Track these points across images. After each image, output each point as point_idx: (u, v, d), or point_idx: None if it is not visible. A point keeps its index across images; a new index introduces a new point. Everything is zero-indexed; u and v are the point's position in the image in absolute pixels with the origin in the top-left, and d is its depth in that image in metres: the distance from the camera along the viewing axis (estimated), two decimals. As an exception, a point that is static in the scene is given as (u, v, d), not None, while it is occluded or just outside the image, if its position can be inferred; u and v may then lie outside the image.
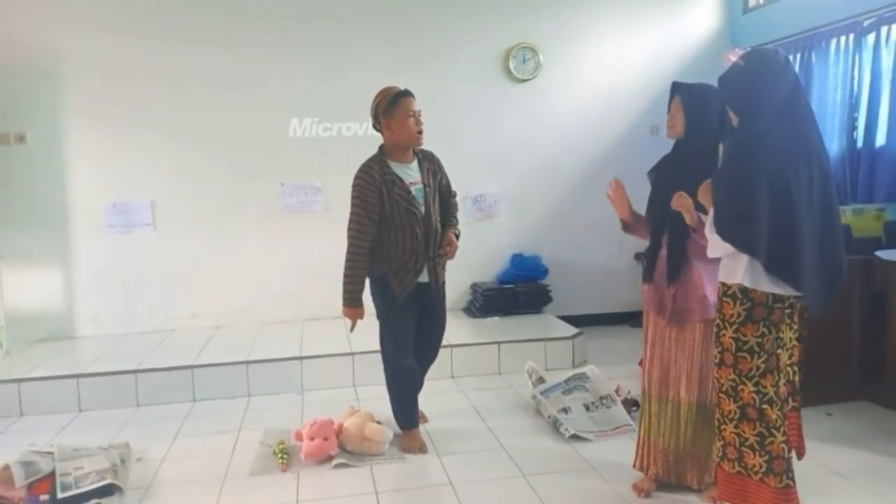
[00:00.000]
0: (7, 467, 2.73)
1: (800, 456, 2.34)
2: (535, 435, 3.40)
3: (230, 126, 5.01)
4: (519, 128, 5.40)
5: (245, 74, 4.99)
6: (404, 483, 2.95)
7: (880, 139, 4.27)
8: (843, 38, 4.50)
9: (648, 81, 5.42)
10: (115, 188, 4.94)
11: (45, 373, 4.03)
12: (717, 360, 2.27)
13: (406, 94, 2.99)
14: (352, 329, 3.16)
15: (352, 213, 3.00)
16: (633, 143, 5.38)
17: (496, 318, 5.06)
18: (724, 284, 2.23)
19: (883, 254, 3.56)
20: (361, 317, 3.12)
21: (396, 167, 2.99)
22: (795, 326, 2.23)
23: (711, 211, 2.20)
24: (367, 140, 5.11)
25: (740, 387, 2.20)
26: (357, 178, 2.99)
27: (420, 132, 2.99)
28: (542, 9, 5.37)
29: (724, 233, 2.15)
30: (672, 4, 5.58)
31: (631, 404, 3.56)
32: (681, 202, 2.40)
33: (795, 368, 2.27)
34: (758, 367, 2.18)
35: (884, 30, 4.19)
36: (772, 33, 5.08)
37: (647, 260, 2.68)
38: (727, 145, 2.34)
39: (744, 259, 2.15)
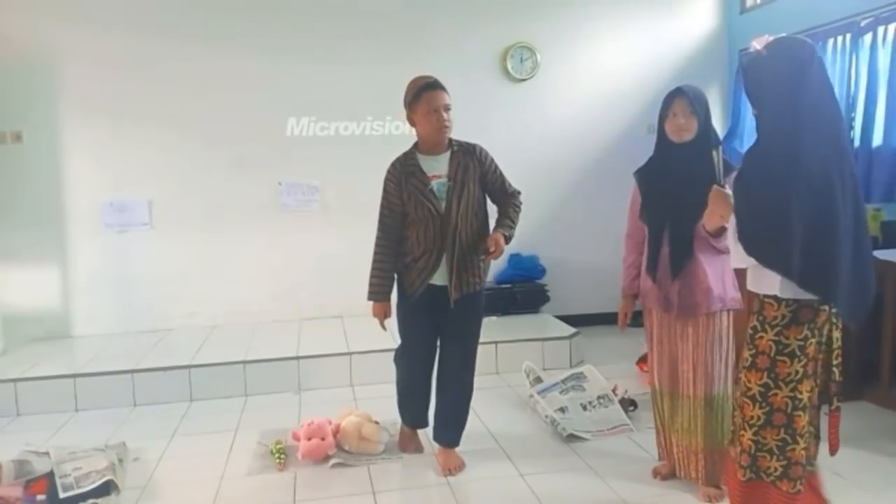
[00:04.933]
0: (-1, 466, 2.73)
1: (833, 452, 2.23)
2: (533, 434, 3.40)
3: (227, 125, 5.00)
4: (516, 127, 5.40)
5: (242, 73, 4.98)
6: (402, 483, 2.96)
7: (877, 139, 4.27)
8: (839, 38, 4.51)
9: (646, 81, 5.42)
10: (112, 187, 4.93)
11: (41, 372, 4.02)
12: (747, 364, 2.13)
13: (430, 87, 2.81)
14: (382, 326, 2.98)
15: (380, 206, 2.94)
16: (631, 143, 5.37)
17: (493, 318, 5.04)
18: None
19: (879, 254, 3.56)
20: (387, 314, 2.97)
21: (423, 159, 2.88)
22: (841, 326, 2.12)
23: (733, 220, 2.07)
24: (364, 139, 5.16)
25: (773, 391, 2.08)
26: (387, 170, 2.93)
27: (444, 128, 2.81)
28: (539, 8, 5.37)
29: (752, 248, 2.00)
30: (670, 4, 5.58)
31: (628, 404, 3.57)
32: (719, 202, 2.22)
33: (840, 369, 2.16)
34: (797, 372, 2.06)
35: (880, 30, 4.20)
36: (769, 33, 5.07)
37: (648, 259, 2.69)
38: (750, 148, 2.18)
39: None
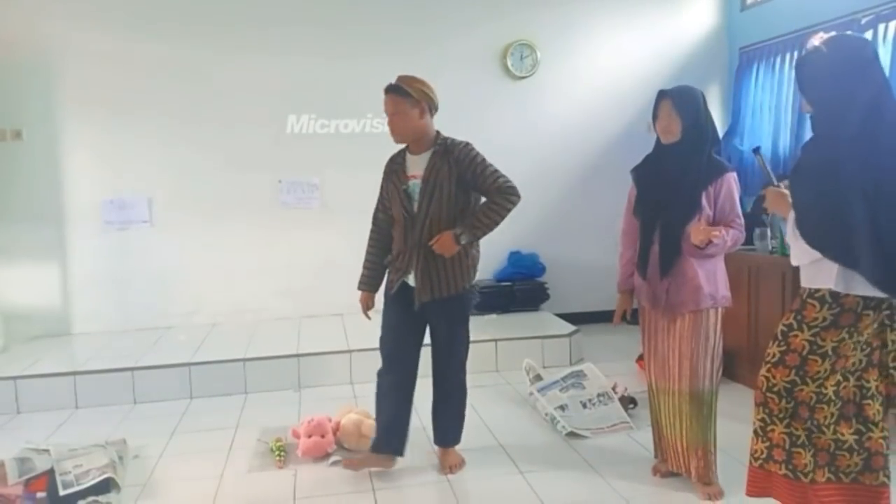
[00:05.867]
0: (2, 464, 2.73)
1: None
2: (532, 432, 3.41)
3: (228, 123, 5.00)
4: (516, 125, 5.39)
5: (242, 70, 4.98)
6: (401, 480, 2.95)
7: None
8: (840, 36, 4.50)
9: (646, 78, 5.41)
10: (112, 185, 4.93)
11: (41, 370, 4.03)
12: (773, 359, 2.13)
13: (386, 90, 2.84)
14: (366, 315, 3.03)
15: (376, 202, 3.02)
16: (631, 141, 5.36)
17: (493, 316, 5.06)
18: (811, 288, 2.07)
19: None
20: (370, 305, 3.02)
21: (409, 158, 2.89)
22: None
23: (792, 216, 2.06)
24: (364, 137, 5.15)
25: (800, 387, 2.09)
26: None
27: (392, 133, 2.83)
28: (540, 5, 5.37)
29: (814, 240, 1.97)
30: (670, 1, 5.57)
31: (628, 401, 3.57)
32: (778, 202, 2.20)
33: None
34: (825, 370, 2.06)
35: (881, 27, 4.19)
36: (769, 31, 5.08)
37: (639, 256, 2.71)
38: (806, 144, 2.13)
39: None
